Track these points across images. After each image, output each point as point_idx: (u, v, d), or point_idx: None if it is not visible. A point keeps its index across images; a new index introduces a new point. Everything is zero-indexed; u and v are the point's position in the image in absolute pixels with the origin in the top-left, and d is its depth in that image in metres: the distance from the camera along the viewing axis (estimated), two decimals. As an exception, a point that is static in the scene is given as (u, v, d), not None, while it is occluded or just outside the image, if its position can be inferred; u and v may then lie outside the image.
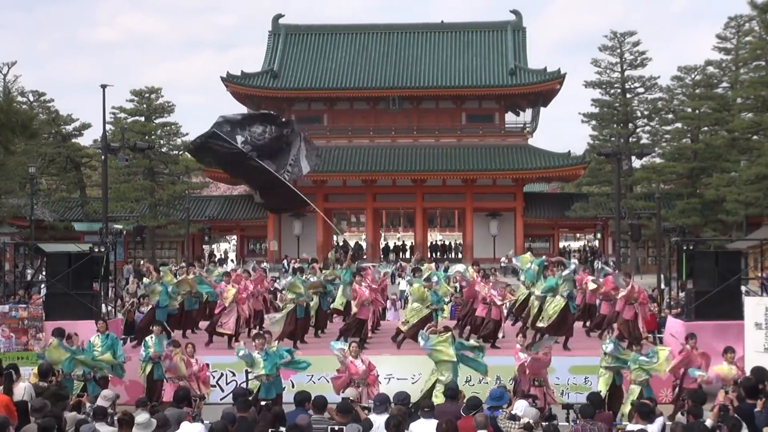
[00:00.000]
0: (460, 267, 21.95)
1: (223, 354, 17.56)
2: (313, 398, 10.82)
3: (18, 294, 22.10)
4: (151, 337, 15.50)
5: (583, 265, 30.73)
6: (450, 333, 13.79)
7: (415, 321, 17.71)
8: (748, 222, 44.62)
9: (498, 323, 18.21)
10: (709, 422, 10.50)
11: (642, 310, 18.15)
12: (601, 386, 14.29)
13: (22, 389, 11.98)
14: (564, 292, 17.92)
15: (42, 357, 14.54)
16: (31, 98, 54.99)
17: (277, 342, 15.48)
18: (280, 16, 59.02)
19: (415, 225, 58.32)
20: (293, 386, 15.79)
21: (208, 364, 15.80)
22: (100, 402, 11.45)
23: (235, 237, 63.67)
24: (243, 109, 57.31)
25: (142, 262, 40.23)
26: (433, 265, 21.96)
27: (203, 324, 20.10)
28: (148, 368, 15.32)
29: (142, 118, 53.40)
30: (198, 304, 19.75)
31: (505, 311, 19.03)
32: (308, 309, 18.73)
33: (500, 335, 18.53)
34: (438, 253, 63.27)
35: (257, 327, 19.45)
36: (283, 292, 19.04)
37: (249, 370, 14.00)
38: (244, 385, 13.77)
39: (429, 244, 65.06)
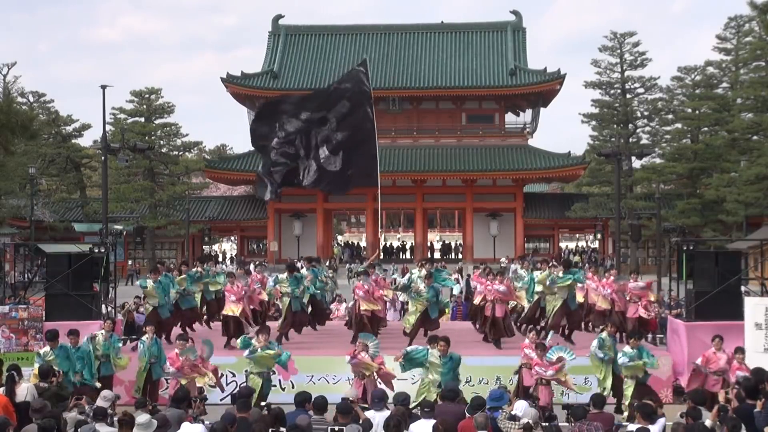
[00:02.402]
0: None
1: (223, 354, 17.51)
2: (313, 399, 10.81)
3: (19, 294, 22.10)
4: (148, 337, 15.45)
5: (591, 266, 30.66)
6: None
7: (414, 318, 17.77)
8: (748, 222, 44.64)
9: (500, 320, 18.03)
10: (708, 423, 10.49)
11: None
12: (605, 382, 14.29)
13: (24, 390, 11.99)
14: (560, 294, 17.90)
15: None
16: (31, 99, 55.14)
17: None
18: (280, 16, 59.10)
19: (415, 225, 58.30)
20: (293, 386, 15.79)
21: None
22: (99, 402, 11.43)
23: (234, 237, 63.69)
24: (243, 110, 57.45)
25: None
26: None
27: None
28: (145, 368, 15.26)
29: (142, 119, 53.43)
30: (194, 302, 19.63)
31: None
32: (303, 304, 18.60)
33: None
34: (439, 253, 63.35)
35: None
36: (277, 286, 18.98)
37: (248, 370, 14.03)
38: (244, 386, 13.75)
39: (430, 244, 65.09)
